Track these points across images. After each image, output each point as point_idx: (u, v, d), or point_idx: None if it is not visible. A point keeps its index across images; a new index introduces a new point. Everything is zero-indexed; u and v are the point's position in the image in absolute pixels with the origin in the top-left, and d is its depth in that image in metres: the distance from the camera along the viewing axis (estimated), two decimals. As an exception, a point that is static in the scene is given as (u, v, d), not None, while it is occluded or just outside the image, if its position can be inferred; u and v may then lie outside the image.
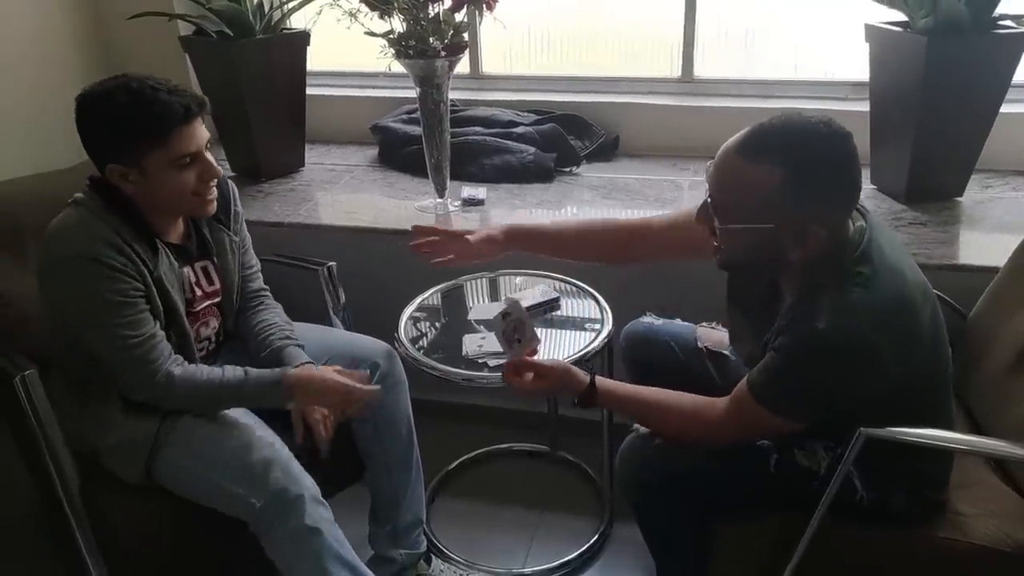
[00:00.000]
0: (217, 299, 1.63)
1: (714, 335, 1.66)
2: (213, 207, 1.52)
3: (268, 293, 1.76)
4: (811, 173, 1.14)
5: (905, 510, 1.32)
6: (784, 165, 1.14)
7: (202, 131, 1.44)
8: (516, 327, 1.48)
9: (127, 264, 1.40)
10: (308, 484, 1.44)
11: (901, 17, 2.01)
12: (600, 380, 1.43)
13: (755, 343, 1.35)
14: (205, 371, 1.48)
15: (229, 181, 1.64)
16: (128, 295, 1.40)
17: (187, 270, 1.55)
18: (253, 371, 1.51)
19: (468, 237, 1.65)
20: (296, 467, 1.45)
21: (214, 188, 1.49)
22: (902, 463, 1.29)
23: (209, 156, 1.46)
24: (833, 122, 1.17)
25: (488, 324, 1.76)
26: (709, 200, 1.24)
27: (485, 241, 1.66)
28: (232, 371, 1.50)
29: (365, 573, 1.49)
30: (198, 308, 1.58)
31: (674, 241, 1.56)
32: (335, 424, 1.55)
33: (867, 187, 2.19)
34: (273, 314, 1.71)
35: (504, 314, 1.48)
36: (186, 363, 1.47)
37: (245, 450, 1.44)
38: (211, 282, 1.61)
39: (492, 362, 1.64)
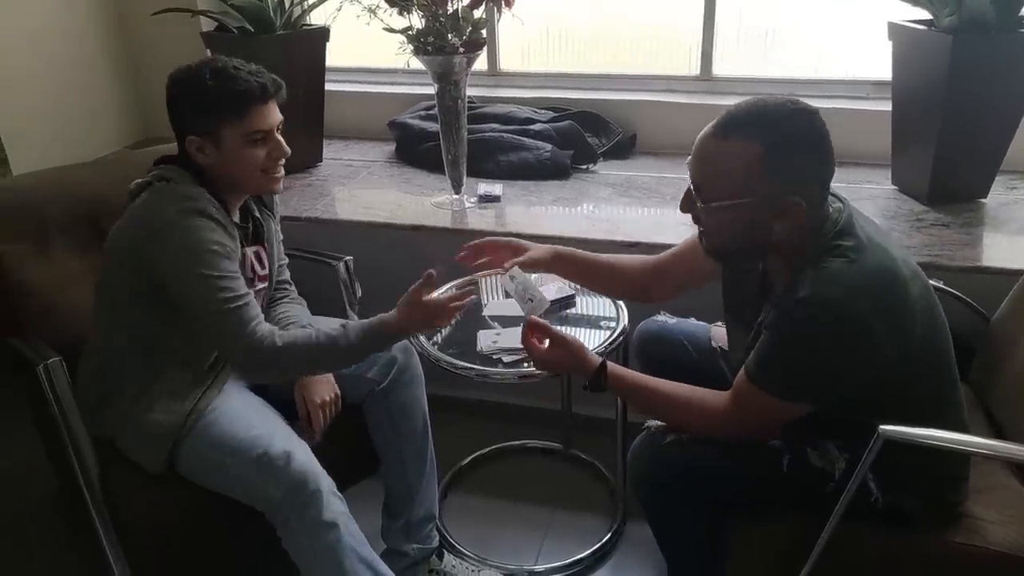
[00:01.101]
0: (265, 284, 1.66)
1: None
2: (280, 186, 1.57)
3: (293, 287, 1.78)
4: (784, 144, 1.19)
5: (921, 513, 1.31)
6: (758, 139, 1.18)
7: (276, 112, 1.51)
8: (525, 287, 1.59)
9: (225, 221, 1.46)
10: (326, 479, 1.45)
11: (925, 15, 1.99)
12: (611, 365, 1.44)
13: (746, 351, 1.34)
14: (301, 335, 1.46)
15: None
16: (229, 252, 1.44)
17: (246, 251, 1.59)
18: (350, 323, 1.50)
19: (531, 254, 1.66)
20: (316, 461, 1.46)
21: (282, 168, 1.55)
22: (918, 464, 1.28)
23: (279, 137, 1.51)
24: (800, 100, 1.22)
25: (503, 320, 1.78)
26: (691, 186, 1.27)
27: (541, 257, 1.67)
28: (327, 328, 1.48)
29: (381, 568, 1.49)
30: (255, 289, 1.60)
31: (683, 272, 1.59)
32: (335, 412, 1.61)
33: (888, 187, 2.17)
34: (296, 308, 1.74)
35: (511, 277, 1.59)
36: (281, 331, 1.46)
37: (267, 440, 1.45)
38: (263, 267, 1.65)
39: (506, 358, 1.65)
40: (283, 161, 1.54)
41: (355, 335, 1.47)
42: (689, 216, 2.05)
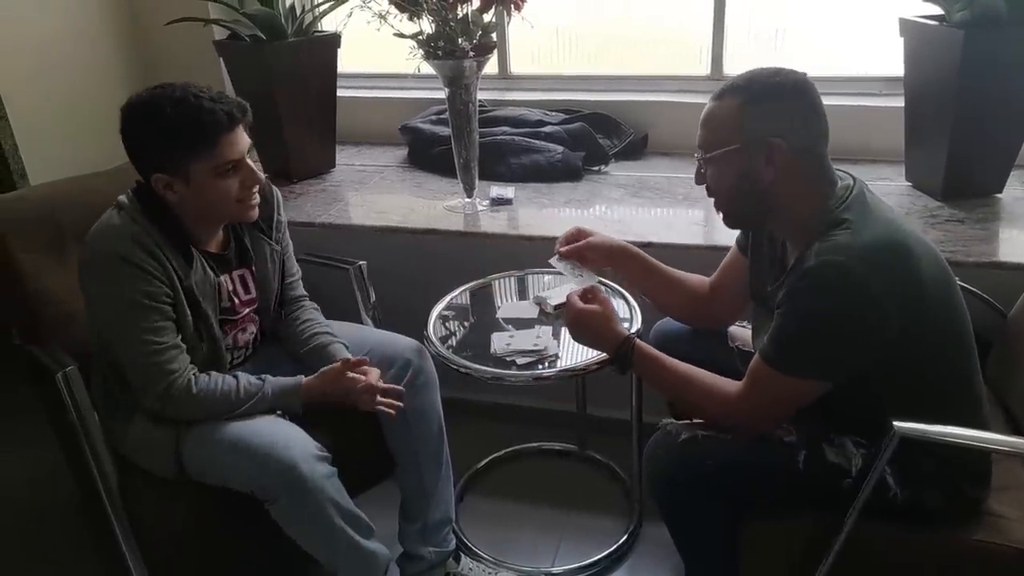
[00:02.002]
0: (254, 306, 1.66)
1: (745, 334, 1.64)
2: (255, 213, 1.54)
3: (307, 297, 1.79)
4: (761, 95, 1.30)
5: (942, 507, 1.30)
6: (741, 94, 1.30)
7: (244, 138, 1.46)
8: (575, 264, 1.65)
9: (158, 268, 1.43)
10: (305, 447, 1.44)
11: (937, 11, 1.98)
12: (638, 340, 1.47)
13: (765, 321, 1.35)
14: (221, 386, 1.49)
15: (275, 189, 1.67)
16: (156, 299, 1.42)
17: (224, 279, 1.58)
18: (271, 380, 1.53)
19: (591, 240, 1.67)
20: (295, 438, 1.46)
21: (256, 194, 1.52)
22: (937, 458, 1.27)
23: (251, 163, 1.48)
24: (788, 69, 1.32)
25: (517, 322, 1.79)
26: (702, 152, 1.36)
27: (603, 245, 1.67)
28: (248, 381, 1.51)
29: (362, 519, 1.51)
30: (239, 316, 1.61)
31: (735, 283, 1.60)
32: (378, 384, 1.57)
33: (902, 184, 2.16)
34: (314, 314, 1.75)
35: (559, 257, 1.66)
36: (203, 377, 1.48)
37: (252, 430, 1.46)
38: (247, 291, 1.64)
39: (520, 360, 1.65)
40: (257, 188, 1.51)
41: (271, 393, 1.51)
42: (700, 215, 2.06)
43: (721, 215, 1.40)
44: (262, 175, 1.50)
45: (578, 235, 1.68)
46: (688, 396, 1.42)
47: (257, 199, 1.53)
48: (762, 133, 1.28)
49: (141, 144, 1.43)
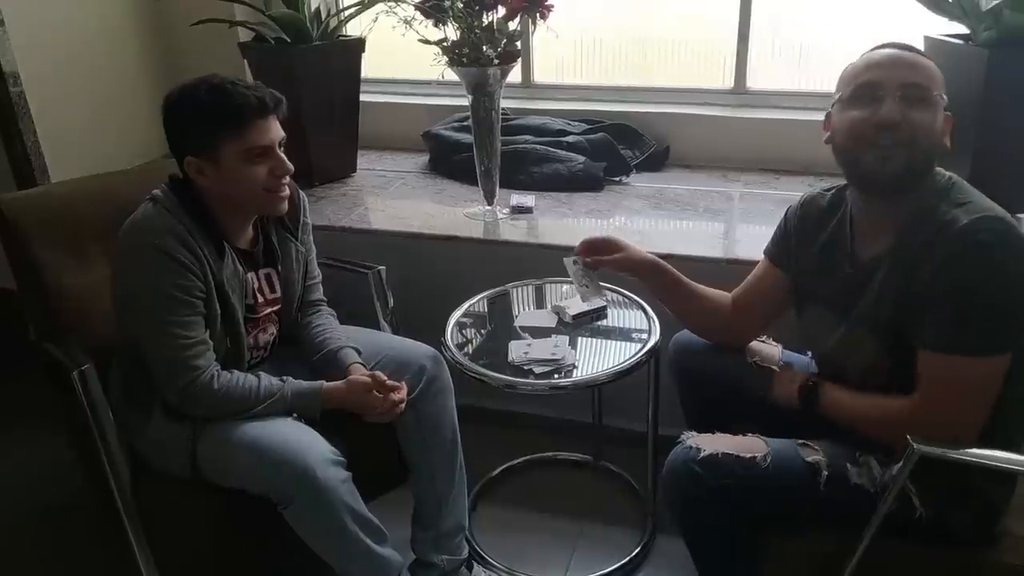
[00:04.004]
0: (277, 307, 1.66)
1: (764, 350, 1.63)
2: (285, 206, 1.56)
3: (325, 303, 1.79)
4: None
5: (966, 528, 1.28)
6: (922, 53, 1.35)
7: (277, 128, 1.49)
8: (585, 272, 1.70)
9: (193, 261, 1.44)
10: (319, 449, 1.44)
11: (962, 30, 1.97)
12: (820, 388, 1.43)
13: (837, 325, 1.33)
14: (241, 384, 1.49)
15: (300, 192, 1.68)
16: (189, 293, 1.44)
17: (251, 276, 1.59)
18: (291, 382, 1.53)
19: (618, 258, 1.68)
20: (310, 440, 1.46)
21: (286, 186, 1.54)
22: (962, 478, 1.26)
23: (281, 153, 1.50)
24: None
25: (535, 331, 1.79)
26: (916, 87, 1.31)
27: (629, 263, 1.68)
28: (268, 382, 1.52)
29: (375, 524, 1.51)
30: (259, 315, 1.62)
31: (763, 302, 1.59)
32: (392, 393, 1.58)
33: (925, 202, 2.14)
34: (328, 319, 1.75)
35: (574, 260, 1.70)
36: (225, 374, 1.49)
37: (265, 431, 1.46)
38: (273, 290, 1.65)
39: (537, 369, 1.65)
40: (287, 180, 1.53)
41: (291, 395, 1.51)
42: (721, 228, 2.04)
43: (902, 161, 1.30)
44: (291, 166, 1.52)
45: (607, 247, 1.67)
46: (861, 426, 1.35)
47: (287, 191, 1.54)
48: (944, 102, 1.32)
49: (177, 127, 1.47)
